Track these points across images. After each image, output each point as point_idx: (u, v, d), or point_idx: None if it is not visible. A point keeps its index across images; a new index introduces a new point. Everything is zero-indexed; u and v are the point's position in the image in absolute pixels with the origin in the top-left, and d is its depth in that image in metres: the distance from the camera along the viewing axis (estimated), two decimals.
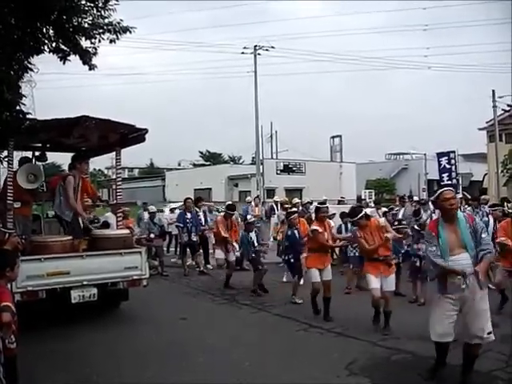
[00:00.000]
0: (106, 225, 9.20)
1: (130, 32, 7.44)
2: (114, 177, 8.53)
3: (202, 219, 11.90)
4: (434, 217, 7.37)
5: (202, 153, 64.28)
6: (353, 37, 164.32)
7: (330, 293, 7.16)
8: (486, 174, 33.20)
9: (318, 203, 8.29)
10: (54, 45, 7.15)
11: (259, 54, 29.65)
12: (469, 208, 11.60)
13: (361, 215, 6.52)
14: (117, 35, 7.33)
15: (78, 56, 7.23)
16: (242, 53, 29.74)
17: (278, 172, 39.17)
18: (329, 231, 7.52)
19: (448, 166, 18.61)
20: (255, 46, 29.50)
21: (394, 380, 4.73)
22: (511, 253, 6.91)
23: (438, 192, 4.75)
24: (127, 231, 7.78)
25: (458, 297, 4.43)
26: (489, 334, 4.45)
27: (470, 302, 4.42)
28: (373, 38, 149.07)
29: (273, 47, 29.60)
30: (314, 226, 7.36)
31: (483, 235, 4.56)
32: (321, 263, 7.22)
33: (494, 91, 27.48)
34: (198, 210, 11.97)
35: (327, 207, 7.97)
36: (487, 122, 30.37)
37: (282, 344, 5.99)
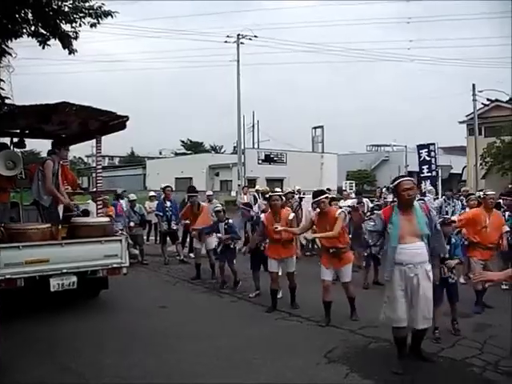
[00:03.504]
0: (86, 213, 9.12)
1: (112, 17, 7.33)
2: (94, 165, 8.42)
3: None
4: None
5: (183, 142, 63.91)
6: (336, 28, 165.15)
7: (293, 283, 7.15)
8: (465, 167, 33.68)
9: (271, 191, 7.80)
10: (33, 28, 7.00)
11: (242, 44, 29.55)
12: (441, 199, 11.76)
13: (322, 196, 6.30)
14: (98, 19, 7.21)
15: (57, 40, 7.09)
16: (225, 41, 29.60)
17: (260, 162, 39.30)
18: (284, 221, 7.02)
19: (428, 159, 18.92)
20: (238, 34, 29.39)
21: (371, 368, 4.80)
22: (478, 245, 6.86)
23: (397, 181, 4.68)
24: (107, 219, 7.72)
25: (407, 284, 4.59)
26: (428, 320, 4.68)
27: (417, 291, 4.58)
28: (356, 29, 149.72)
29: (256, 36, 29.53)
30: (262, 217, 7.31)
31: (438, 227, 4.85)
32: (276, 254, 7.06)
33: (474, 85, 27.83)
34: None
35: (279, 196, 7.57)
36: (467, 116, 30.71)
37: (262, 332, 6.03)
